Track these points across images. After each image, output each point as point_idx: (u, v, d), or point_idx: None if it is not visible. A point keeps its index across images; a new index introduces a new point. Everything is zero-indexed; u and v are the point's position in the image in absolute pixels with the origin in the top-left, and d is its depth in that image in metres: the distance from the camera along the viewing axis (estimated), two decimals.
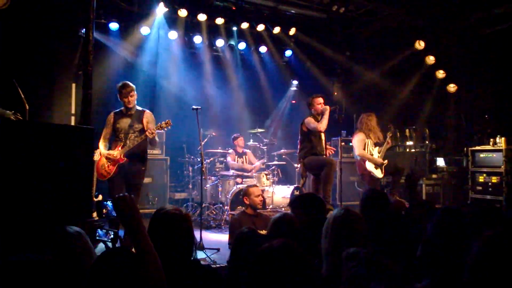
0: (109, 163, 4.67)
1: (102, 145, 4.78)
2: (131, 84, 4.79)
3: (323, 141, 5.71)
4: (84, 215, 3.10)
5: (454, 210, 1.86)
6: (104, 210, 1.84)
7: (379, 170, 6.11)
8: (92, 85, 3.82)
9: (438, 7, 7.59)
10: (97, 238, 1.91)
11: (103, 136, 4.84)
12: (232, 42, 8.31)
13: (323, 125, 5.52)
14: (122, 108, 4.85)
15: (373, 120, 6.17)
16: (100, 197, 5.64)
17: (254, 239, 2.24)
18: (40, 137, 2.76)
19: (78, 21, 6.22)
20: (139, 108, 4.90)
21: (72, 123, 5.92)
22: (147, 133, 4.58)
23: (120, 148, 4.70)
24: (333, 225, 1.99)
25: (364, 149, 6.09)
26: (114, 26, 7.21)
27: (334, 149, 6.17)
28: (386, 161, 6.13)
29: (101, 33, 6.92)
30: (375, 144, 6.20)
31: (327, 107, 5.64)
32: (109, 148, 4.80)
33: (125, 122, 4.77)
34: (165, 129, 5.07)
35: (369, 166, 6.05)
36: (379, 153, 6.17)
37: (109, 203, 1.90)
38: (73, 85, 5.97)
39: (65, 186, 2.84)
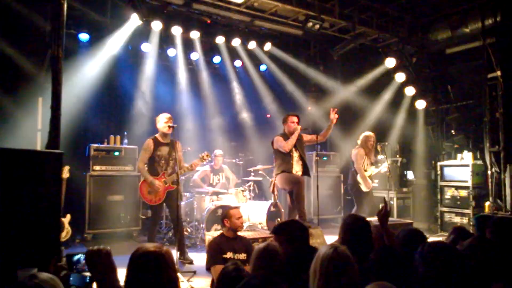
0: (159, 190, 5.09)
1: (147, 173, 5.13)
2: None
3: (295, 159, 5.64)
4: (52, 245, 2.94)
5: (445, 247, 1.82)
6: (74, 265, 1.64)
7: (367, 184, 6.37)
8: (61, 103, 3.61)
9: (408, 27, 7.88)
10: (70, 283, 1.73)
11: (142, 161, 5.17)
12: (207, 56, 8.26)
13: (288, 145, 5.52)
14: (157, 136, 5.22)
15: (373, 140, 6.40)
16: (68, 217, 5.41)
17: (239, 278, 2.14)
18: (3, 164, 2.59)
19: (45, 32, 5.98)
20: (171, 138, 5.24)
21: (38, 139, 5.63)
22: (194, 166, 5.32)
23: (165, 176, 5.14)
24: (322, 265, 1.89)
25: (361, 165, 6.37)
26: (84, 37, 7.00)
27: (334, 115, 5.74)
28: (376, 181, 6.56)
29: (71, 44, 6.68)
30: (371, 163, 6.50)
31: (298, 127, 5.62)
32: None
33: (164, 150, 5.18)
34: (205, 162, 5.53)
35: (359, 178, 6.33)
36: (372, 172, 6.45)
37: (81, 257, 1.71)
38: (40, 99, 5.69)
39: (32, 215, 2.69)
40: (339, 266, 1.82)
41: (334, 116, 5.69)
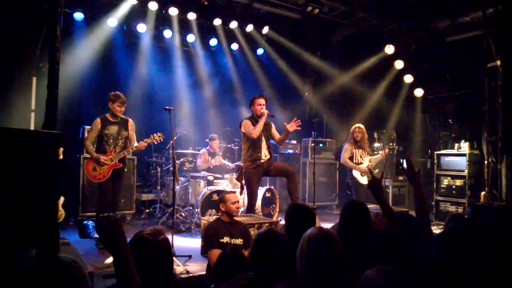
0: (103, 167, 5.05)
1: (92, 149, 5.09)
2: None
3: (263, 143, 5.47)
4: (50, 227, 2.88)
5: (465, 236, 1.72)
6: (84, 231, 1.69)
7: (365, 177, 6.36)
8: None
9: (408, 14, 7.78)
10: (87, 233, 1.74)
11: (90, 140, 5.14)
12: (203, 38, 8.12)
13: (256, 131, 5.30)
14: (107, 114, 5.18)
15: (357, 131, 6.39)
16: (61, 199, 5.35)
17: (237, 263, 2.12)
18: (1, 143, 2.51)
19: (40, 10, 5.81)
20: (123, 116, 5.24)
21: (32, 120, 5.52)
22: (140, 146, 5.13)
23: (113, 154, 5.09)
24: (308, 245, 1.92)
25: (352, 158, 6.38)
26: (79, 16, 6.82)
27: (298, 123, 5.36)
28: (376, 171, 6.44)
29: (65, 23, 6.50)
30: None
31: (265, 112, 5.36)
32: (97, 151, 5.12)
33: (113, 129, 5.15)
34: (158, 141, 5.38)
35: (355, 173, 6.37)
36: (370, 162, 6.44)
37: (89, 223, 1.74)
38: (34, 79, 5.55)
39: (29, 196, 2.63)
40: (325, 246, 1.82)
41: (292, 127, 5.30)
